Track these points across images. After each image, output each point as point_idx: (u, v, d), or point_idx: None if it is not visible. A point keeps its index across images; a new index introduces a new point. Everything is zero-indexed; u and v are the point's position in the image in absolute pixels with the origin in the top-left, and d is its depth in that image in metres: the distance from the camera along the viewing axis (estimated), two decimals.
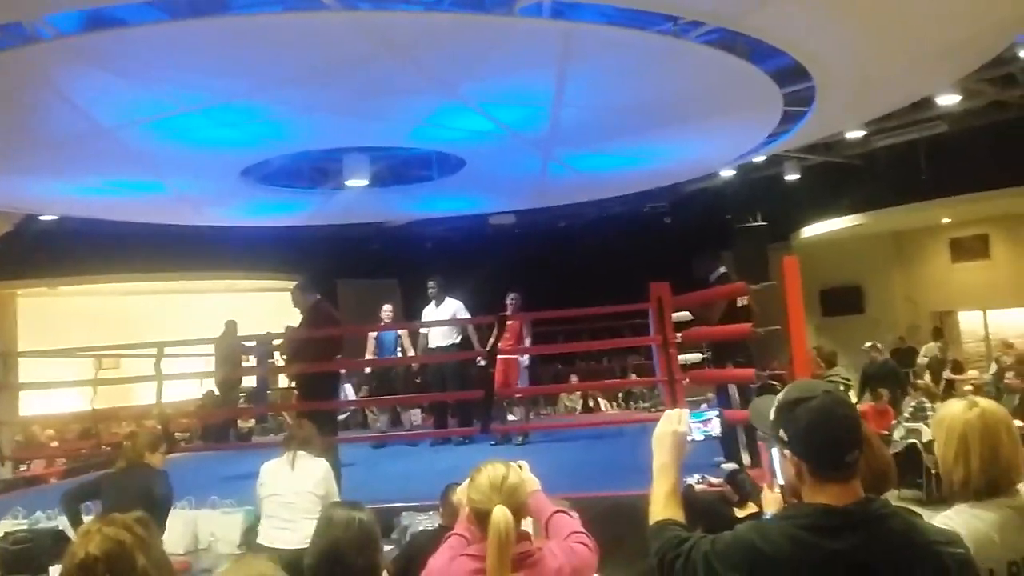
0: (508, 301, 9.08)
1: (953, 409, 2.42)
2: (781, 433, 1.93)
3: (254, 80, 7.11)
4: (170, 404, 9.66)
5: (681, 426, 2.22)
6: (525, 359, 9.36)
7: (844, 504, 1.84)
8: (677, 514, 2.08)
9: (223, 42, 6.41)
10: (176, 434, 10.36)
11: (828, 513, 1.84)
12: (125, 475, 4.77)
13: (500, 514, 2.41)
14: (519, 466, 2.82)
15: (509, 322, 8.67)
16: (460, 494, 2.77)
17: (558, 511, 2.76)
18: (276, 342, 8.83)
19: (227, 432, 9.99)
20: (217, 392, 10.25)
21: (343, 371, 9.07)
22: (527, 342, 9.24)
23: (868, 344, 12.50)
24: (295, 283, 7.56)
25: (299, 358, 7.31)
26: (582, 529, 2.68)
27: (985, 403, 2.45)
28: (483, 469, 2.59)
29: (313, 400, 7.15)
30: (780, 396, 1.98)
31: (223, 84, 7.12)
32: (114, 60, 6.50)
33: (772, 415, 1.96)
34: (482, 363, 9.12)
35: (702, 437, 2.46)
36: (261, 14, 6.04)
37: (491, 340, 8.46)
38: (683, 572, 1.92)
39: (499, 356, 8.16)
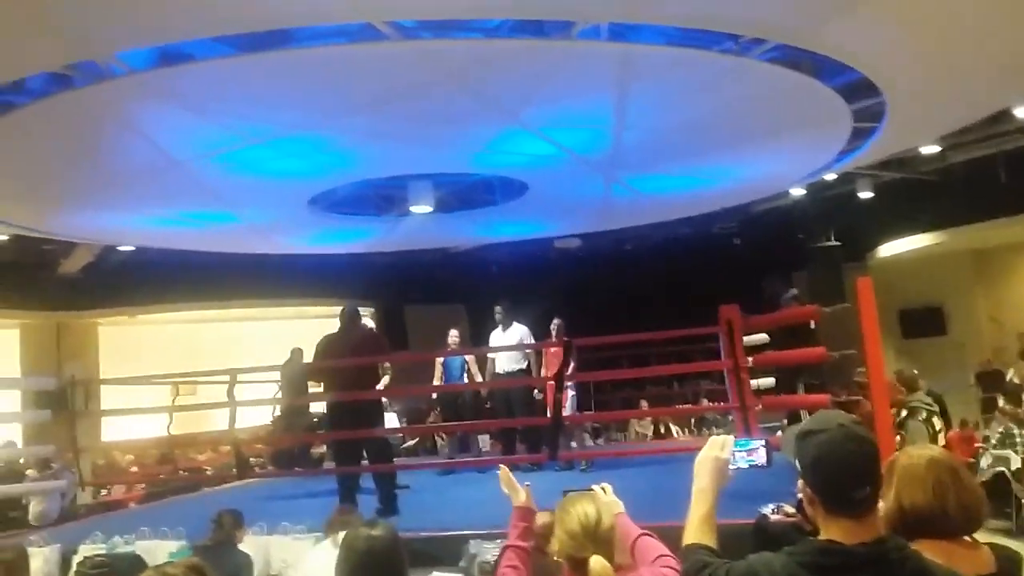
0: (552, 327, 8.99)
1: None
2: (797, 463, 1.92)
3: (318, 111, 7.25)
4: (243, 430, 9.85)
5: (724, 453, 2.23)
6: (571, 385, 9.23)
7: (852, 542, 1.80)
8: (708, 539, 2.10)
9: (287, 74, 6.55)
10: (251, 459, 10.53)
11: (828, 552, 1.81)
12: (215, 553, 4.89)
13: (599, 566, 2.41)
14: (603, 488, 2.86)
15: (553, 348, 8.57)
16: (541, 518, 2.83)
17: (644, 534, 2.76)
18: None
19: (297, 458, 10.10)
20: (283, 418, 10.38)
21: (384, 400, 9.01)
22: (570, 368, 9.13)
23: None
24: (347, 306, 7.52)
25: (349, 386, 7.17)
26: (668, 552, 2.65)
27: None
28: (572, 509, 2.56)
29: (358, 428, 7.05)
30: (799, 426, 1.99)
31: (288, 116, 7.28)
32: (184, 95, 6.71)
33: (792, 445, 1.96)
34: (537, 392, 9.06)
35: (746, 466, 2.40)
36: (323, 46, 6.14)
37: (555, 367, 8.38)
38: None
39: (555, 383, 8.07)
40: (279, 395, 10.12)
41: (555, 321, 9.03)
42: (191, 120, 7.18)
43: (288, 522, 6.06)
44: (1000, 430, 9.91)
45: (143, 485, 11.32)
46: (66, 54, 5.94)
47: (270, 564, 5.88)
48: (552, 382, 8.06)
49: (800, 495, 1.95)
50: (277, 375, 10.17)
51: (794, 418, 7.21)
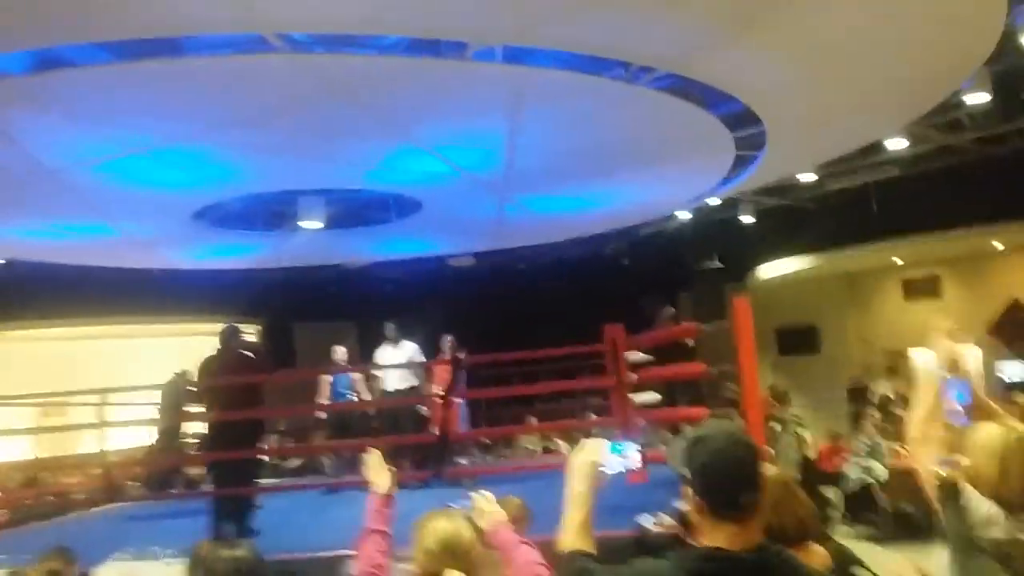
0: (443, 344, 9.01)
1: (992, 433, 2.58)
2: (684, 471, 1.95)
3: (204, 122, 7.06)
4: (116, 452, 9.42)
5: (597, 456, 2.23)
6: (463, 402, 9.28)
7: (735, 549, 1.84)
8: (586, 544, 2.09)
9: (173, 84, 6.37)
10: (128, 483, 10.07)
11: (713, 558, 1.84)
12: None
13: None
14: (484, 496, 2.79)
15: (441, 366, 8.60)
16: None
17: (521, 543, 2.69)
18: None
19: (172, 480, 9.73)
20: (160, 440, 9.98)
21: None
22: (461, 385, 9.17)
23: None
24: (226, 326, 7.42)
25: (225, 404, 7.10)
26: (543, 561, 2.60)
27: (1022, 428, 2.61)
28: (427, 526, 2.49)
29: (237, 447, 6.97)
30: (687, 435, 2.06)
31: (172, 126, 7.06)
32: (62, 101, 6.43)
33: (680, 453, 1.99)
34: (424, 410, 9.04)
35: (621, 469, 2.41)
36: (210, 57, 6.00)
37: (447, 384, 8.37)
38: None
39: (443, 400, 8.08)
40: (157, 416, 9.72)
41: (447, 337, 9.03)
42: (68, 127, 6.88)
43: (159, 546, 5.83)
44: (867, 442, 10.44)
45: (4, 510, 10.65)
46: None
47: None
48: (440, 399, 8.06)
49: (682, 505, 1.99)
50: (155, 395, 9.78)
51: (676, 432, 7.45)
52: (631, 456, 2.47)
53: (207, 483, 9.14)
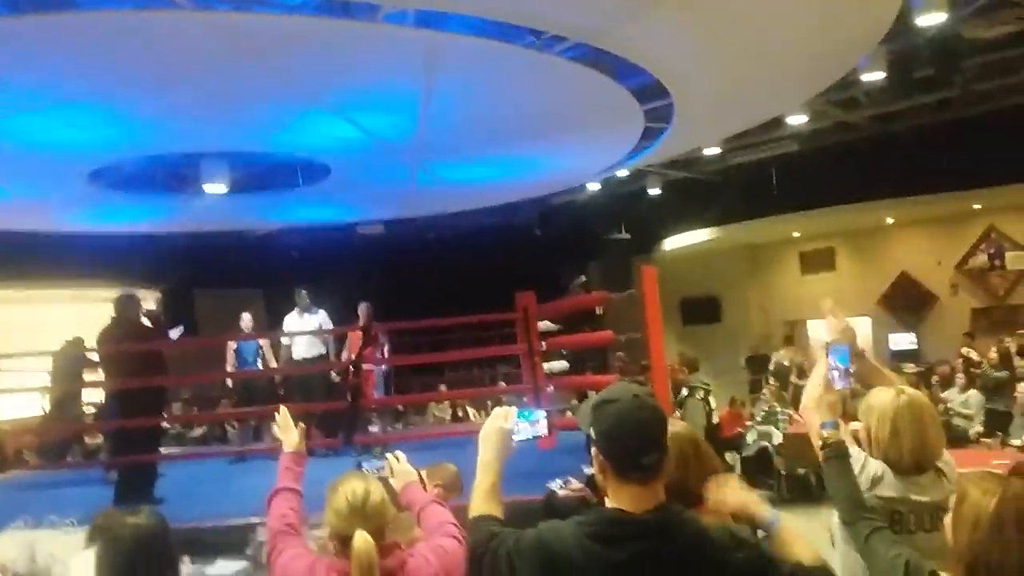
0: (360, 311, 8.95)
1: (884, 397, 2.72)
2: (591, 432, 1.99)
3: (101, 80, 6.75)
4: (6, 421, 9.05)
5: (507, 424, 2.29)
6: (382, 369, 9.26)
7: (638, 511, 1.90)
8: (495, 510, 2.14)
9: (68, 39, 6.04)
10: (22, 452, 9.70)
11: (616, 522, 1.90)
12: None
13: (361, 542, 2.32)
14: (396, 457, 2.85)
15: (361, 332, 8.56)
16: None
17: (432, 502, 2.74)
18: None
19: (68, 450, 9.42)
20: (54, 409, 9.64)
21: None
22: (384, 352, 9.15)
23: None
24: (121, 294, 7.37)
25: (122, 373, 7.08)
26: (452, 520, 2.65)
27: (912, 392, 2.75)
28: (340, 488, 2.48)
29: (135, 416, 6.90)
30: (594, 397, 2.06)
31: (68, 84, 6.72)
32: None
33: (587, 415, 2.03)
34: (336, 376, 8.98)
35: (529, 436, 2.46)
36: (110, 11, 5.73)
37: (357, 351, 8.32)
38: (491, 567, 1.97)
39: (355, 367, 8.04)
40: (49, 384, 9.38)
41: (362, 305, 8.96)
42: None
43: (57, 515, 5.65)
44: (764, 409, 10.89)
45: None
46: None
47: (35, 560, 5.46)
48: (352, 367, 8.02)
49: (589, 470, 2.05)
50: (47, 363, 9.42)
51: (583, 399, 7.61)
52: (539, 423, 2.53)
53: (105, 452, 8.94)
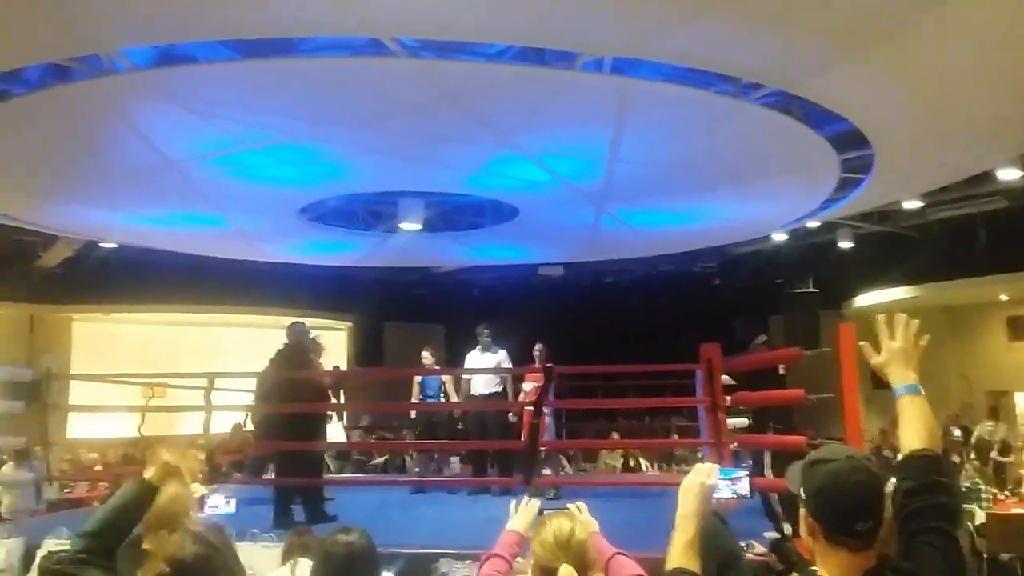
0: (535, 352, 9.02)
1: None
2: (801, 492, 1.94)
3: (317, 121, 7.29)
4: (216, 435, 9.75)
5: (710, 479, 2.27)
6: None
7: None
8: (693, 564, 2.11)
9: (289, 83, 6.59)
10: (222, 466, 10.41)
11: None
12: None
13: (567, 574, 2.44)
14: (578, 507, 2.95)
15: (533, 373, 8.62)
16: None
17: (618, 553, 2.81)
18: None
19: (265, 467, 10.01)
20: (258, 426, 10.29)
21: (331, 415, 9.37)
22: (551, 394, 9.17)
23: None
24: (294, 323, 7.84)
25: (286, 399, 7.48)
26: (642, 572, 2.71)
27: None
28: (548, 523, 2.62)
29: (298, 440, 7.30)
30: (808, 456, 2.00)
31: (287, 124, 7.31)
32: (184, 96, 6.72)
33: (797, 474, 1.99)
34: (514, 416, 9.08)
35: (730, 494, 2.44)
36: (328, 57, 6.19)
37: (539, 392, 8.40)
38: None
39: (534, 407, 8.09)
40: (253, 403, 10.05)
41: (537, 346, 9.06)
42: (189, 121, 7.18)
43: (257, 529, 6.02)
44: (967, 485, 10.04)
45: (107, 484, 11.14)
46: (70, 46, 5.94)
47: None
48: (530, 407, 8.08)
49: (769, 535, 1.98)
50: (252, 383, 10.10)
51: (758, 460, 7.31)
52: (741, 481, 2.49)
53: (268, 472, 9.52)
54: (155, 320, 15.86)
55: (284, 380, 7.44)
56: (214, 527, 2.42)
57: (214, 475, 8.19)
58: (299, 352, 7.60)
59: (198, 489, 4.02)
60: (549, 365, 8.37)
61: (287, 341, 7.60)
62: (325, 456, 11.41)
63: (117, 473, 11.81)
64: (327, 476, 10.47)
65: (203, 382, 8.17)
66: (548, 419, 9.08)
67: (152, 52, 6.27)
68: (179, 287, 14.35)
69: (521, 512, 3.10)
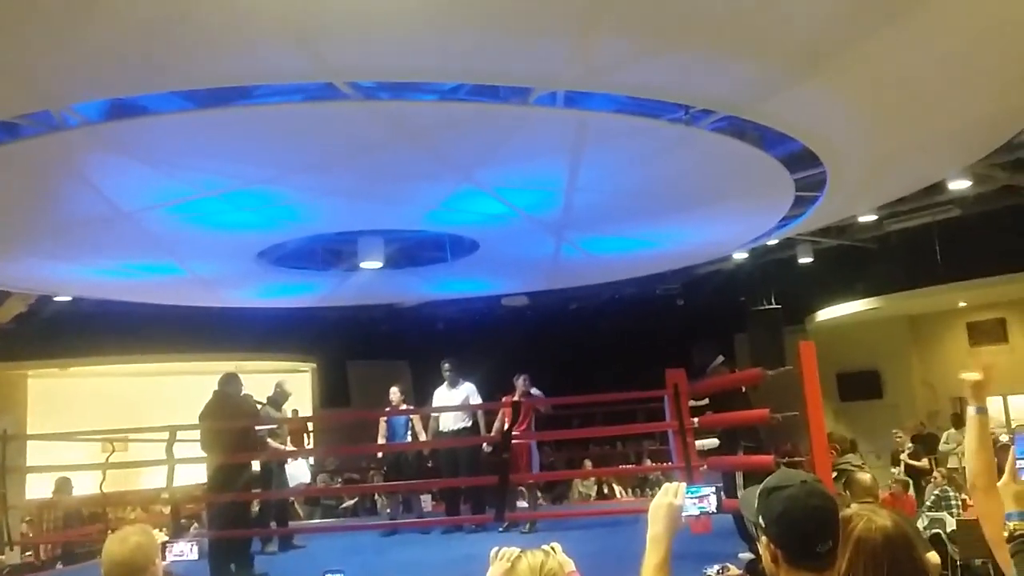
0: (517, 382, 9.00)
1: None
2: (760, 519, 1.97)
3: (273, 166, 7.23)
4: (180, 488, 9.53)
5: (677, 499, 2.26)
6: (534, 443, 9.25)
7: None
8: None
9: (244, 131, 6.53)
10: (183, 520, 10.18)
11: None
12: None
13: None
14: (552, 548, 2.89)
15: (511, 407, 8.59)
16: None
17: None
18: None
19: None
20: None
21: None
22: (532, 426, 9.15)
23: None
24: (227, 373, 8.10)
25: (214, 449, 7.64)
26: None
27: None
28: (522, 556, 2.65)
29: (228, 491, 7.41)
30: (763, 484, 2.03)
31: (243, 170, 7.24)
32: (138, 147, 6.62)
33: (755, 502, 2.01)
34: (489, 449, 9.02)
35: (697, 512, 2.45)
36: (282, 103, 6.15)
37: (507, 425, 8.36)
38: None
39: (514, 442, 8.06)
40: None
41: (521, 376, 9.07)
42: (143, 172, 7.07)
43: None
44: (936, 492, 10.14)
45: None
46: (19, 104, 5.84)
47: None
48: (501, 441, 8.04)
49: (743, 556, 1.99)
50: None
51: (729, 479, 7.35)
52: (708, 498, 2.50)
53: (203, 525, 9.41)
54: (113, 372, 15.53)
55: (206, 431, 7.63)
56: None
57: (179, 530, 8.04)
58: (226, 403, 7.70)
59: (160, 536, 3.92)
60: (516, 400, 8.36)
61: (215, 390, 7.74)
62: (293, 502, 11.23)
63: (80, 533, 11.53)
64: (296, 524, 10.31)
65: (165, 435, 8.02)
66: (532, 452, 9.07)
67: (104, 105, 6.17)
68: (137, 337, 14.09)
69: (498, 562, 3.06)
